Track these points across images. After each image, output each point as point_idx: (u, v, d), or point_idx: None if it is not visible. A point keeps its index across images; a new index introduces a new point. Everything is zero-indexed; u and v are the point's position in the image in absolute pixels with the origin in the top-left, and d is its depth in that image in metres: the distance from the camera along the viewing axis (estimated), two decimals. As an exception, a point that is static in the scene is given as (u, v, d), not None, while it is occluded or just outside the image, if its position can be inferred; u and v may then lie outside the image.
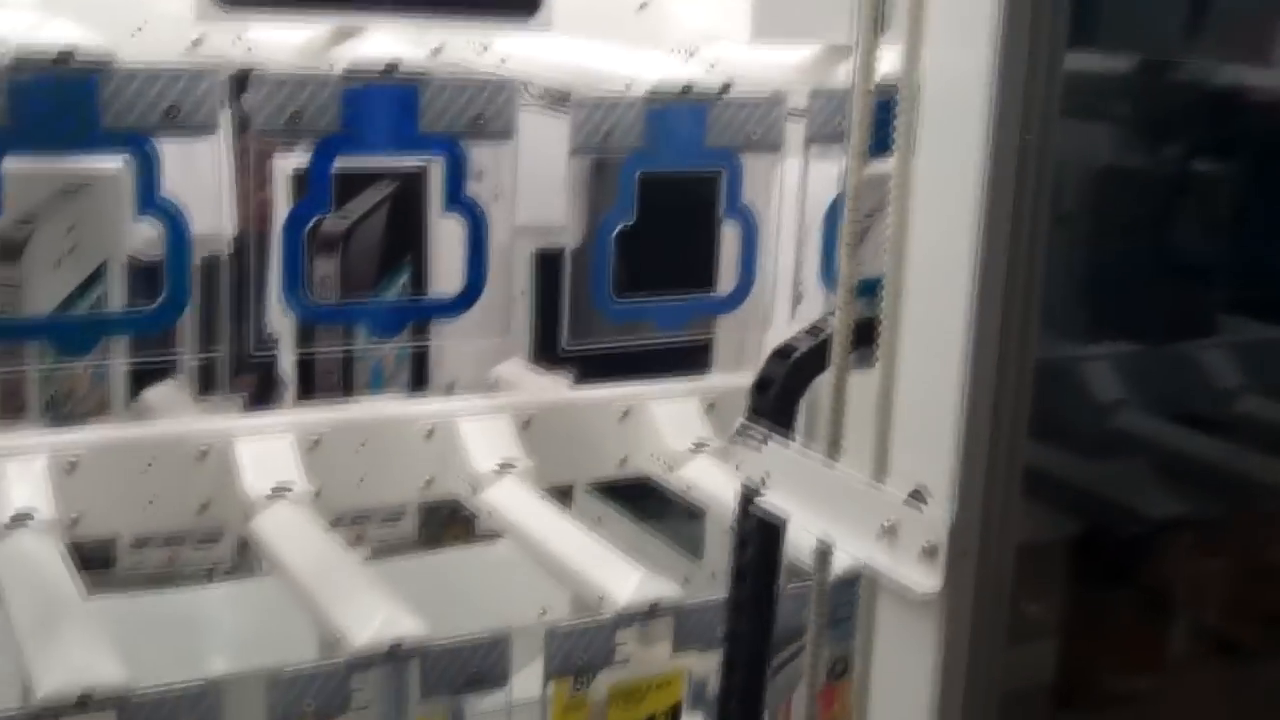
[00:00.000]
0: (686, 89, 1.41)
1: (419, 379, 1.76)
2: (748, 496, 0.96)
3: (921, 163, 0.81)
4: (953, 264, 0.79)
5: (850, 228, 0.90)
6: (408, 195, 1.52)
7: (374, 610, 1.23)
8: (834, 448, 0.91)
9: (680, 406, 1.64)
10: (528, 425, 1.58)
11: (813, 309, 1.53)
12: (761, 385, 0.97)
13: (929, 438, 0.81)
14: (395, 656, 1.17)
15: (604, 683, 1.31)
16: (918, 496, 0.82)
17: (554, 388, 1.67)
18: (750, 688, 1.06)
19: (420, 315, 1.50)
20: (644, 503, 1.89)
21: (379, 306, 1.46)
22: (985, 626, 0.83)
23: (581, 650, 1.27)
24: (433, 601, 1.26)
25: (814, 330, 0.96)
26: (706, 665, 1.36)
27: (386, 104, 1.30)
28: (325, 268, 1.45)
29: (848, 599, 1.32)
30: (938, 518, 0.80)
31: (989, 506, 0.80)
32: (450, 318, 1.48)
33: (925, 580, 0.81)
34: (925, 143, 0.81)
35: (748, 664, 1.05)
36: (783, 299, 1.53)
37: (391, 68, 1.30)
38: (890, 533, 0.83)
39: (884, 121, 0.83)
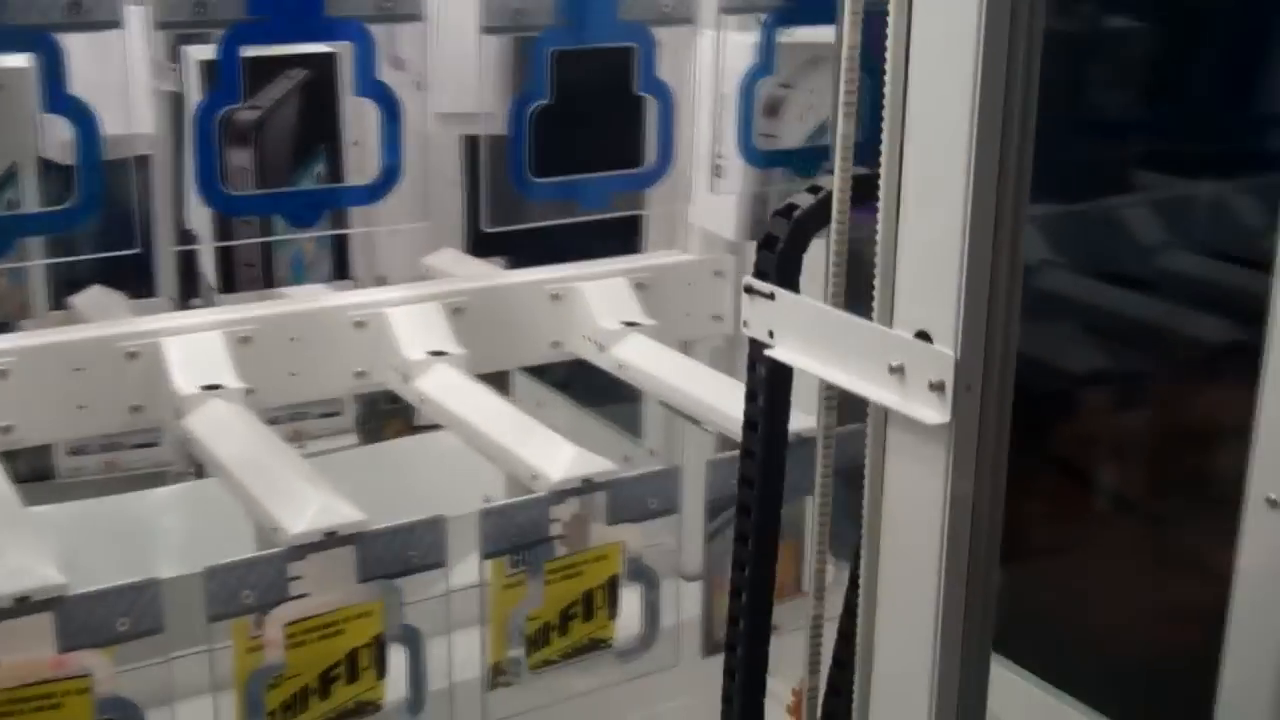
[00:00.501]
0: (597, -38, 1.35)
1: (340, 269, 1.70)
2: (756, 350, 1.01)
3: (920, 18, 0.84)
4: (952, 116, 0.83)
5: (847, 93, 0.94)
6: (321, 82, 1.45)
7: (309, 500, 1.21)
8: (837, 299, 0.96)
9: (610, 287, 1.60)
10: (459, 312, 1.53)
11: (733, 182, 1.48)
12: (766, 243, 1.00)
13: (932, 283, 0.86)
14: (331, 544, 1.12)
15: (541, 559, 1.27)
16: (923, 337, 0.86)
17: (486, 274, 1.62)
18: (764, 531, 1.11)
19: (335, 202, 1.44)
20: (586, 387, 1.84)
21: (294, 194, 1.39)
22: (989, 454, 0.89)
23: (516, 529, 1.23)
24: (371, 492, 1.22)
25: (813, 189, 0.99)
26: (641, 539, 1.34)
27: (292, -10, 1.23)
28: (240, 159, 1.39)
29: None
30: (944, 355, 0.85)
31: (990, 344, 0.86)
32: (365, 204, 1.41)
33: (934, 413, 0.86)
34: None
35: (761, 507, 1.09)
36: (702, 172, 1.47)
37: (295, -48, 1.23)
38: (898, 372, 0.88)
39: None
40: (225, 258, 1.72)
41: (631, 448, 1.77)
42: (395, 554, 1.23)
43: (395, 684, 1.28)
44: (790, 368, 1.00)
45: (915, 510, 0.91)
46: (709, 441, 1.49)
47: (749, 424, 1.07)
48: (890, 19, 0.85)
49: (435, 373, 1.48)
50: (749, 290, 1.00)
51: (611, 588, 1.38)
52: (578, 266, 1.63)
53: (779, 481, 1.09)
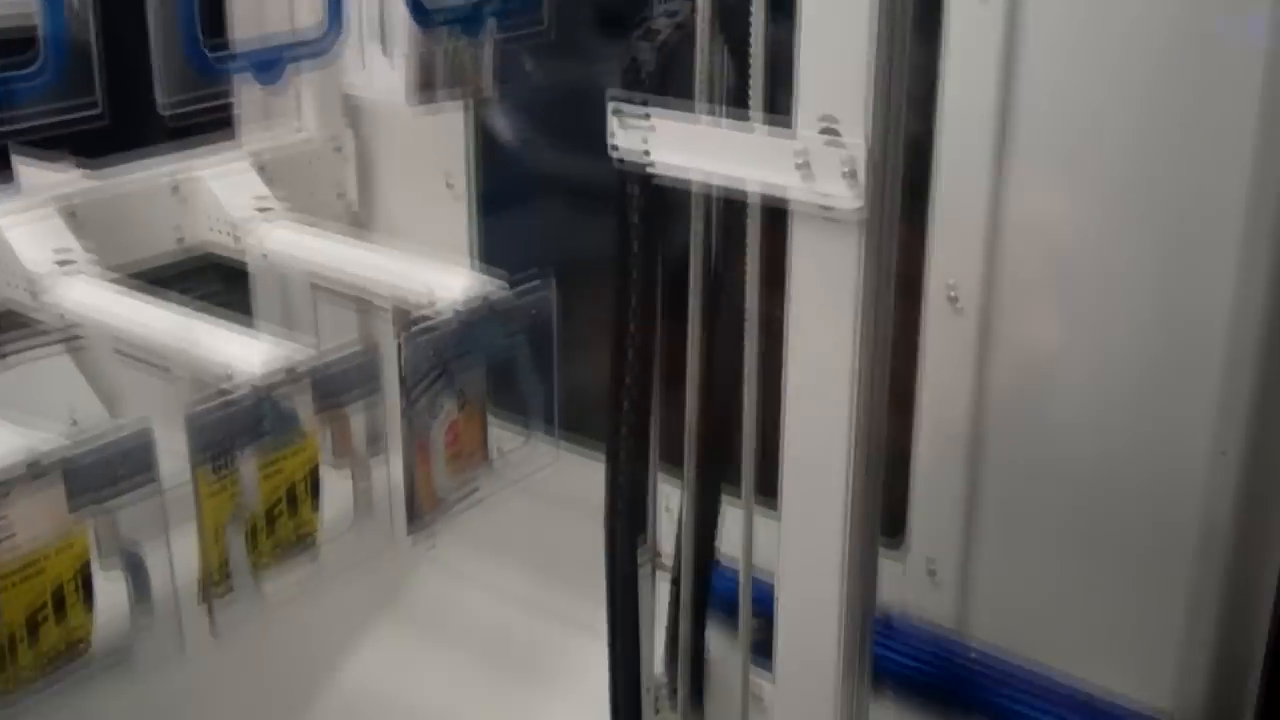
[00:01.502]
0: None
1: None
2: (630, 170, 0.99)
3: None
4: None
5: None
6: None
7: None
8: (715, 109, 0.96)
9: (233, 172, 1.41)
10: (73, 216, 1.29)
11: (400, 45, 1.34)
12: (633, 67, 0.99)
13: (839, 74, 0.87)
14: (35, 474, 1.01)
15: (252, 460, 1.10)
16: (830, 131, 0.87)
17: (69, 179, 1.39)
18: (644, 358, 1.09)
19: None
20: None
21: None
22: (888, 238, 0.91)
23: (225, 430, 1.05)
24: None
25: (670, 13, 0.99)
26: (348, 424, 1.25)
27: None
28: None
29: (471, 334, 1.19)
30: (855, 144, 0.87)
31: (889, 131, 0.88)
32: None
33: (848, 198, 0.88)
34: None
35: (640, 321, 1.08)
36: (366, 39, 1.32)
37: None
38: (804, 167, 0.89)
39: None
40: None
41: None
42: (105, 475, 1.07)
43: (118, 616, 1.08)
44: (664, 188, 0.99)
45: (828, 302, 0.92)
46: (381, 319, 1.35)
47: (624, 242, 1.05)
48: None
49: (67, 283, 1.25)
50: (618, 114, 0.97)
51: (313, 479, 1.22)
52: (193, 155, 1.42)
53: (653, 304, 1.07)
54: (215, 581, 1.17)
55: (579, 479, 1.51)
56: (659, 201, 1.01)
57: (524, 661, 1.68)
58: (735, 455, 1.07)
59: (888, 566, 1.22)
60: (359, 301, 1.39)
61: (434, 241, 1.51)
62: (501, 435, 1.33)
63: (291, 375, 1.17)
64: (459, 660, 1.70)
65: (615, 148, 0.98)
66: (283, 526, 1.24)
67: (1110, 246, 1.16)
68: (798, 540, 0.96)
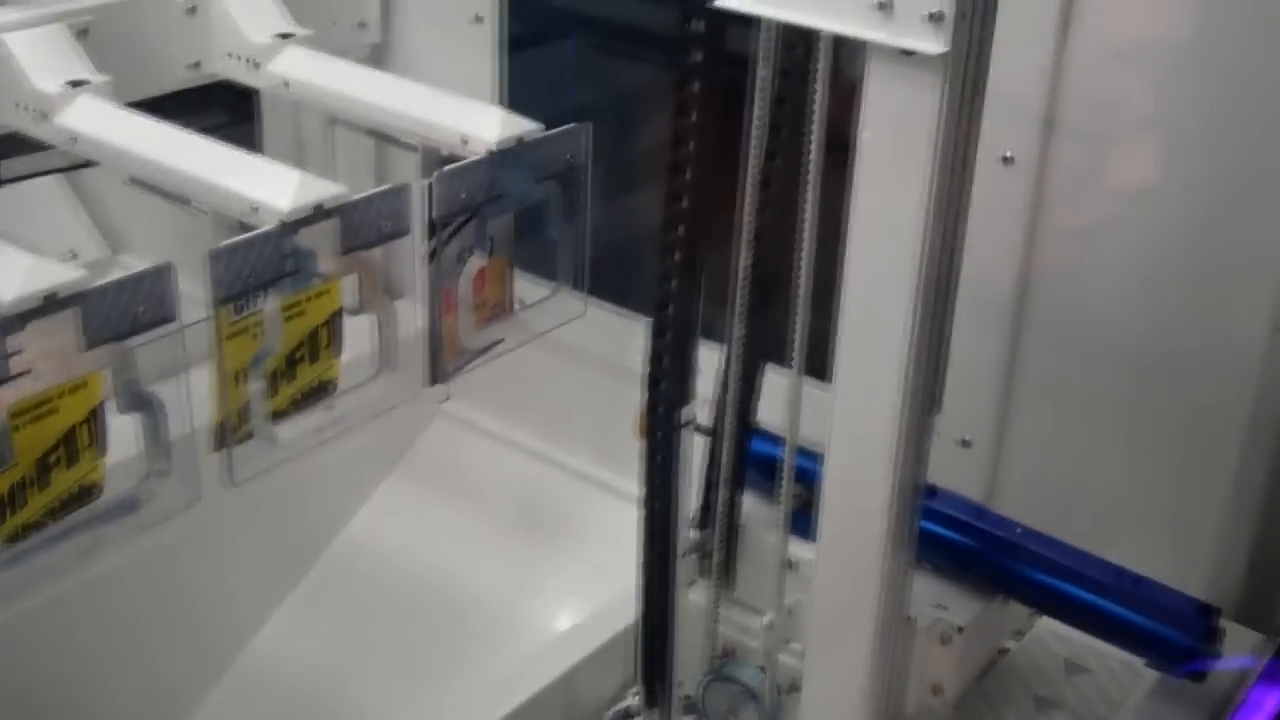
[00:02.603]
0: None
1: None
2: (694, 4, 0.95)
3: None
4: None
5: None
6: None
7: (12, 261, 0.99)
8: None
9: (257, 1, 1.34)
10: (84, 35, 1.24)
11: None
12: None
13: None
14: (51, 308, 0.99)
15: (277, 301, 1.07)
16: None
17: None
18: (701, 187, 1.05)
19: None
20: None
21: None
22: (976, 84, 0.89)
23: (250, 269, 1.02)
24: None
25: None
26: (379, 265, 1.22)
27: None
28: None
29: (504, 177, 1.15)
30: None
31: None
32: None
33: (933, 44, 0.83)
34: None
35: (696, 164, 1.04)
36: None
37: None
38: (886, 8, 0.84)
39: None
40: None
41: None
42: (122, 311, 1.03)
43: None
44: (724, 22, 0.93)
45: (904, 148, 0.89)
46: (410, 160, 1.30)
47: (685, 91, 1.01)
48: None
49: (80, 105, 1.20)
50: None
51: (335, 323, 1.19)
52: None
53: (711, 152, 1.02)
54: (234, 428, 1.13)
55: (605, 335, 1.48)
56: (721, 39, 0.95)
57: (539, 519, 1.67)
58: (781, 320, 1.04)
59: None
60: (383, 139, 1.34)
61: (458, 81, 1.45)
62: (526, 287, 1.30)
63: (320, 213, 1.13)
64: (471, 517, 1.69)
65: (682, -15, 0.89)
66: (303, 373, 1.21)
67: (1168, 114, 1.12)
68: (851, 407, 0.94)
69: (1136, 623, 1.06)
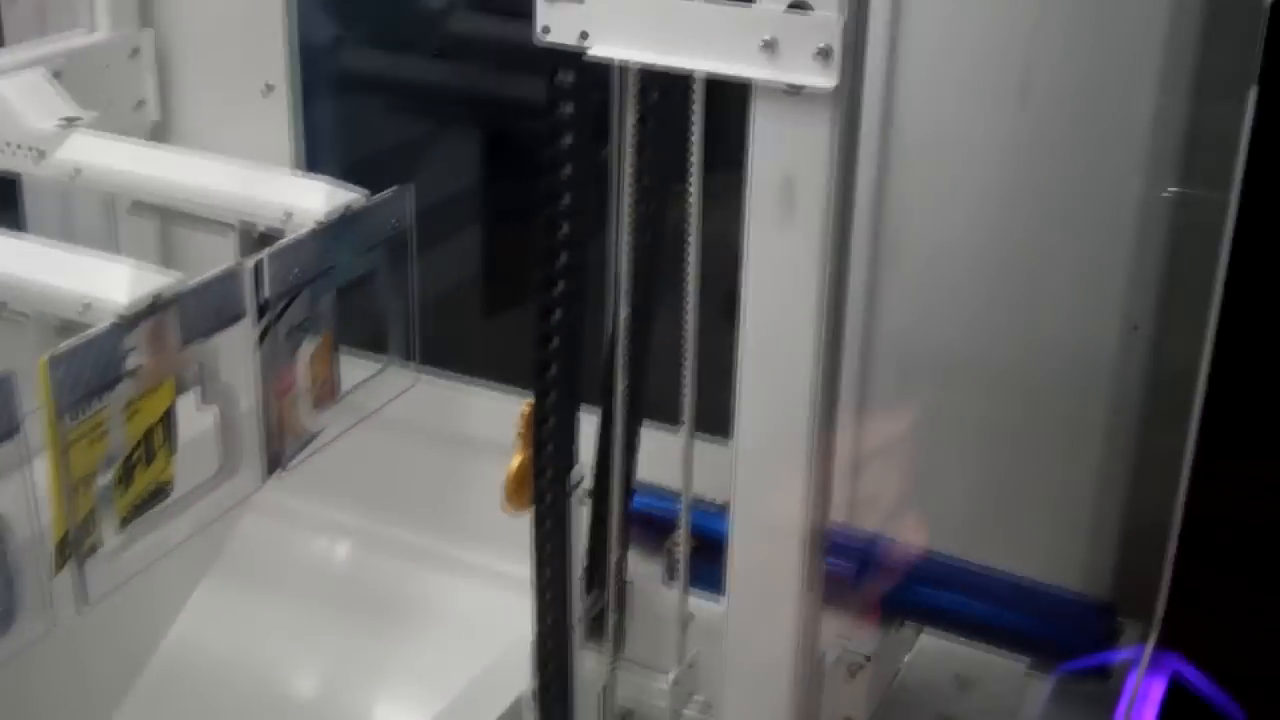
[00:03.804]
0: None
1: None
2: (562, 55, 0.94)
3: None
4: None
5: None
6: None
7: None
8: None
9: (28, 80, 1.29)
10: None
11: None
12: None
13: None
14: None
15: (121, 403, 1.03)
16: (799, 7, 0.84)
17: None
18: (579, 245, 1.03)
19: None
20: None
21: None
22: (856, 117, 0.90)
23: (90, 372, 0.98)
24: None
25: None
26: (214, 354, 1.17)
27: None
28: None
29: (331, 251, 1.14)
30: (830, 20, 0.84)
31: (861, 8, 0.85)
32: None
33: (823, 79, 0.85)
34: None
35: (572, 219, 1.03)
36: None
37: None
38: (770, 47, 0.85)
39: None
40: None
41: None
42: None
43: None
44: (598, 71, 0.94)
45: (797, 185, 0.90)
46: (225, 239, 1.27)
47: (554, 133, 0.99)
48: None
49: None
50: None
51: (170, 421, 1.15)
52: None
53: (587, 209, 1.02)
54: (78, 542, 1.07)
55: (426, 403, 1.45)
56: (594, 90, 0.95)
57: (378, 606, 1.62)
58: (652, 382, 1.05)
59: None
60: (191, 220, 1.29)
61: (252, 154, 1.41)
62: (349, 362, 1.27)
63: (159, 304, 1.08)
64: (304, 613, 1.63)
65: (547, 30, 0.93)
66: (140, 476, 1.16)
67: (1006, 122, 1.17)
68: (756, 456, 0.94)
69: (1043, 631, 1.10)
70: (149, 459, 1.16)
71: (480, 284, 1.76)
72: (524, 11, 0.96)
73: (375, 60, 1.64)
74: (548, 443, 1.06)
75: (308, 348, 1.26)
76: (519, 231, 1.65)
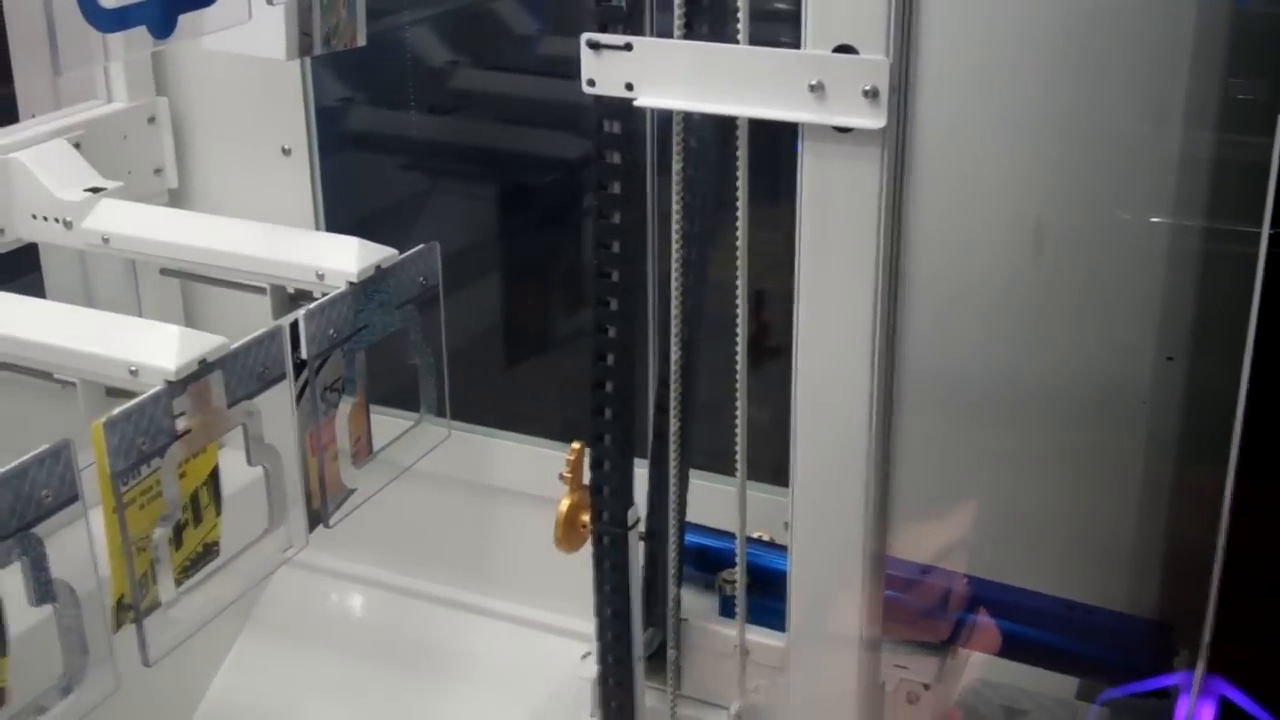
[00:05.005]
0: None
1: None
2: (609, 107, 0.98)
3: None
4: None
5: None
6: None
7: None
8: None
9: (52, 151, 1.32)
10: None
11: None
12: None
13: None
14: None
15: (173, 464, 1.06)
16: (846, 50, 0.88)
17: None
18: (630, 292, 1.07)
19: None
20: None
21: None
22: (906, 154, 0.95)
23: (143, 436, 1.00)
24: None
25: None
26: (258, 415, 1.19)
27: None
28: None
29: (365, 309, 1.17)
30: (876, 62, 0.88)
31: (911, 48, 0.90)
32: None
33: (871, 119, 0.89)
34: None
35: (624, 270, 1.06)
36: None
37: None
38: (818, 89, 0.90)
39: None
40: None
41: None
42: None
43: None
44: (644, 119, 0.98)
45: (849, 225, 0.94)
46: (251, 300, 1.29)
47: (602, 181, 1.03)
48: None
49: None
50: (594, 46, 0.95)
51: (215, 482, 1.17)
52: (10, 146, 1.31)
53: (641, 257, 1.06)
54: (135, 603, 1.09)
55: (452, 453, 1.47)
56: (641, 139, 0.99)
57: (416, 657, 1.63)
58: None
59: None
60: (221, 283, 1.32)
61: (272, 216, 1.44)
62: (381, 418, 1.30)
63: (205, 367, 1.10)
64: (342, 668, 1.64)
65: (592, 83, 0.96)
66: (189, 538, 1.17)
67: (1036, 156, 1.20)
68: (814, 492, 0.97)
69: (1101, 652, 1.12)
70: (197, 519, 1.18)
71: (495, 336, 1.78)
72: (531, 67, 1.00)
73: (382, 119, 1.67)
74: (604, 485, 1.08)
75: (344, 405, 1.28)
76: (533, 282, 1.67)
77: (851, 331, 0.91)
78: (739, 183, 0.99)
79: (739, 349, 1.00)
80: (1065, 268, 1.20)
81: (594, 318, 1.00)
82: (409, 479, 1.33)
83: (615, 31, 0.94)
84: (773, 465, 1.14)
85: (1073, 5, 1.09)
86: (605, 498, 1.05)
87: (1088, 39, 1.14)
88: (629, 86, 0.96)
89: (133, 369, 1.08)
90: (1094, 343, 1.20)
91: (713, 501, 1.11)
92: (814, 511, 0.95)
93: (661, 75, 0.94)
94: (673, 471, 1.07)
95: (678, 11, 0.95)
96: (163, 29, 1.09)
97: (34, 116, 1.44)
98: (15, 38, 1.38)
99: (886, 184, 0.91)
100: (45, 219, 1.32)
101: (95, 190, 1.34)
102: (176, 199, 1.56)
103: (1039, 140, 1.17)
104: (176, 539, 1.15)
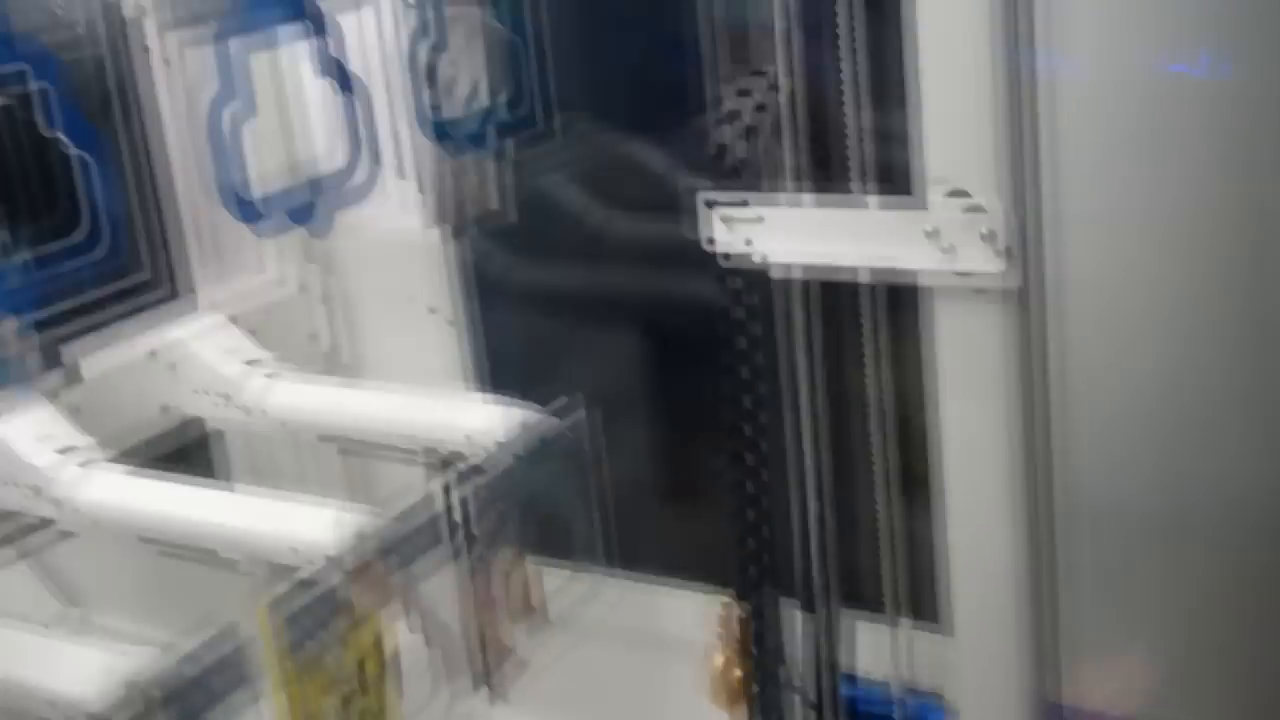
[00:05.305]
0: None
1: None
2: (732, 264, 1.00)
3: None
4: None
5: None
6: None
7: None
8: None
9: (211, 328, 1.36)
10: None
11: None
12: (720, 154, 0.98)
13: (965, 145, 0.89)
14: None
15: (337, 635, 1.07)
16: (959, 195, 0.89)
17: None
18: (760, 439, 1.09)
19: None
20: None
21: None
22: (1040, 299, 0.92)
23: (306, 611, 1.02)
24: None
25: (743, 91, 0.98)
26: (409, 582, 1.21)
27: None
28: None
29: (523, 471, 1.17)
30: (992, 206, 0.89)
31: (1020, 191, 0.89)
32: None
33: (991, 264, 0.90)
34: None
35: (754, 420, 1.08)
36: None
37: None
38: (934, 235, 0.90)
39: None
40: None
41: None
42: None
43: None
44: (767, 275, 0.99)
45: (981, 378, 0.93)
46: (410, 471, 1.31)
47: (732, 351, 1.06)
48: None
49: (79, 475, 1.20)
50: (712, 206, 0.98)
51: (379, 651, 1.19)
52: (159, 317, 1.37)
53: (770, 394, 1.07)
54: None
55: (631, 609, 1.46)
56: (766, 295, 0.99)
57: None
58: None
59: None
60: (377, 451, 1.35)
61: (423, 376, 1.47)
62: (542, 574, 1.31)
63: (363, 541, 1.13)
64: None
65: (712, 241, 0.99)
66: (357, 705, 1.19)
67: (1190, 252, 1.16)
68: (975, 647, 0.95)
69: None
70: (364, 689, 1.20)
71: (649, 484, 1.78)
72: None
73: (548, 277, 1.69)
74: (755, 643, 1.07)
75: (501, 564, 1.30)
76: (684, 430, 1.68)
77: (993, 465, 0.90)
78: (865, 338, 0.99)
79: (878, 474, 1.02)
80: (1218, 380, 1.16)
81: (733, 472, 1.00)
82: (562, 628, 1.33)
83: (730, 189, 0.96)
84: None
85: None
86: (757, 656, 1.05)
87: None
88: (748, 242, 0.98)
89: (293, 547, 1.10)
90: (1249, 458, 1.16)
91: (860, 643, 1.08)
92: (973, 660, 0.94)
93: (779, 232, 0.97)
94: (822, 620, 1.06)
95: (789, 160, 0.97)
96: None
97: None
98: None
99: (1014, 325, 0.91)
100: (210, 394, 1.37)
101: (253, 363, 1.38)
102: (332, 363, 1.60)
103: (1183, 253, 1.14)
104: (346, 709, 1.17)
